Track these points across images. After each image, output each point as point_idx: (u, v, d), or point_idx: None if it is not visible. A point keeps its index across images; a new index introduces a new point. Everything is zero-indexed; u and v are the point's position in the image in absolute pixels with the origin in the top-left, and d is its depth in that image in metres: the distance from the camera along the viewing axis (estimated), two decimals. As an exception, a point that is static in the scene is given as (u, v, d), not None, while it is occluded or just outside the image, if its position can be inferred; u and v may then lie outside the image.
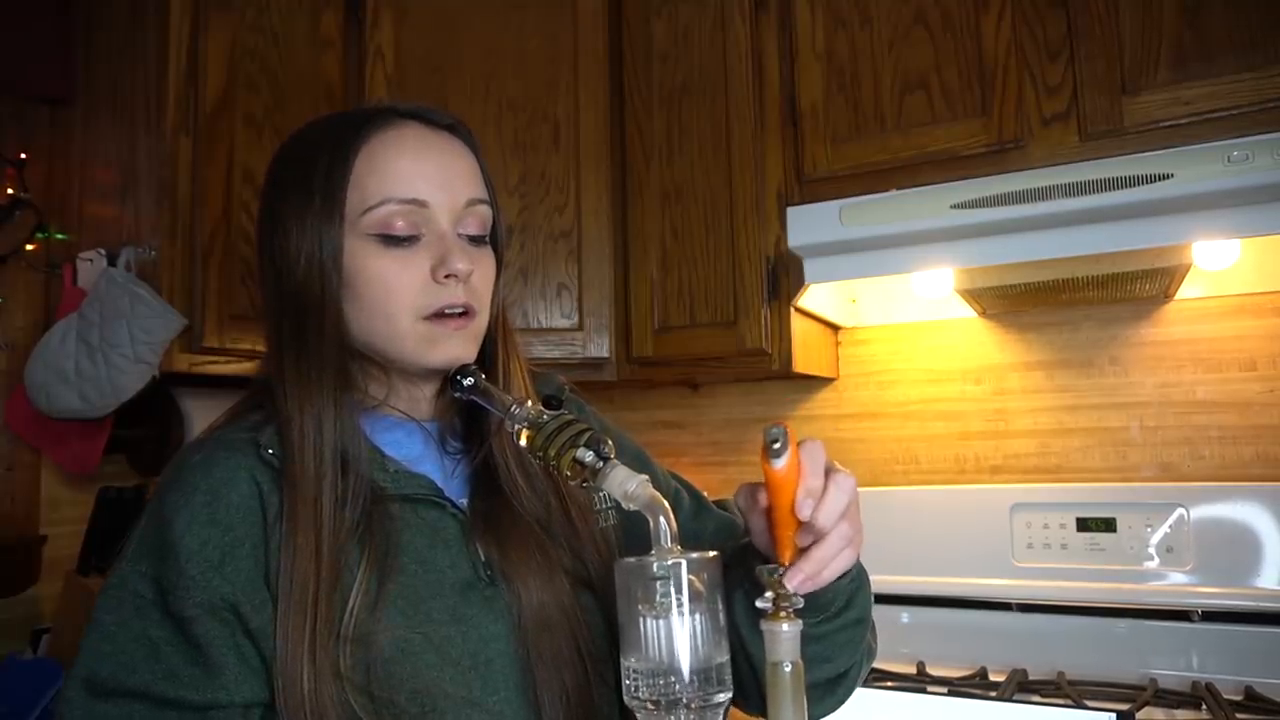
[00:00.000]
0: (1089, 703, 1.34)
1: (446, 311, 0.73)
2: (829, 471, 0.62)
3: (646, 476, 0.60)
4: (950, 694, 1.41)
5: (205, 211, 1.39)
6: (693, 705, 0.54)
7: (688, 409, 2.03)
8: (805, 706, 0.57)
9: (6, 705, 1.33)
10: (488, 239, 0.79)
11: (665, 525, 0.57)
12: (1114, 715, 1.25)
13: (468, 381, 0.72)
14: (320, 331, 0.72)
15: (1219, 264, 1.36)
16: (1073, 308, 1.67)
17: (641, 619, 0.55)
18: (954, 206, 1.31)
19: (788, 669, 0.57)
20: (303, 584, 0.66)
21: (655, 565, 0.55)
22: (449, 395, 0.78)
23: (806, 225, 1.43)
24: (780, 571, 0.59)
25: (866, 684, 1.50)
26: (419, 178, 0.73)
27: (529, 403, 0.67)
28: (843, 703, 0.78)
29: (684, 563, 0.55)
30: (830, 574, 0.62)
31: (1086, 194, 1.23)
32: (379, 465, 0.73)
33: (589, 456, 0.61)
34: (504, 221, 0.82)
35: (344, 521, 0.69)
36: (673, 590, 0.54)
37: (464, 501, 0.77)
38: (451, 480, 0.78)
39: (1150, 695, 1.35)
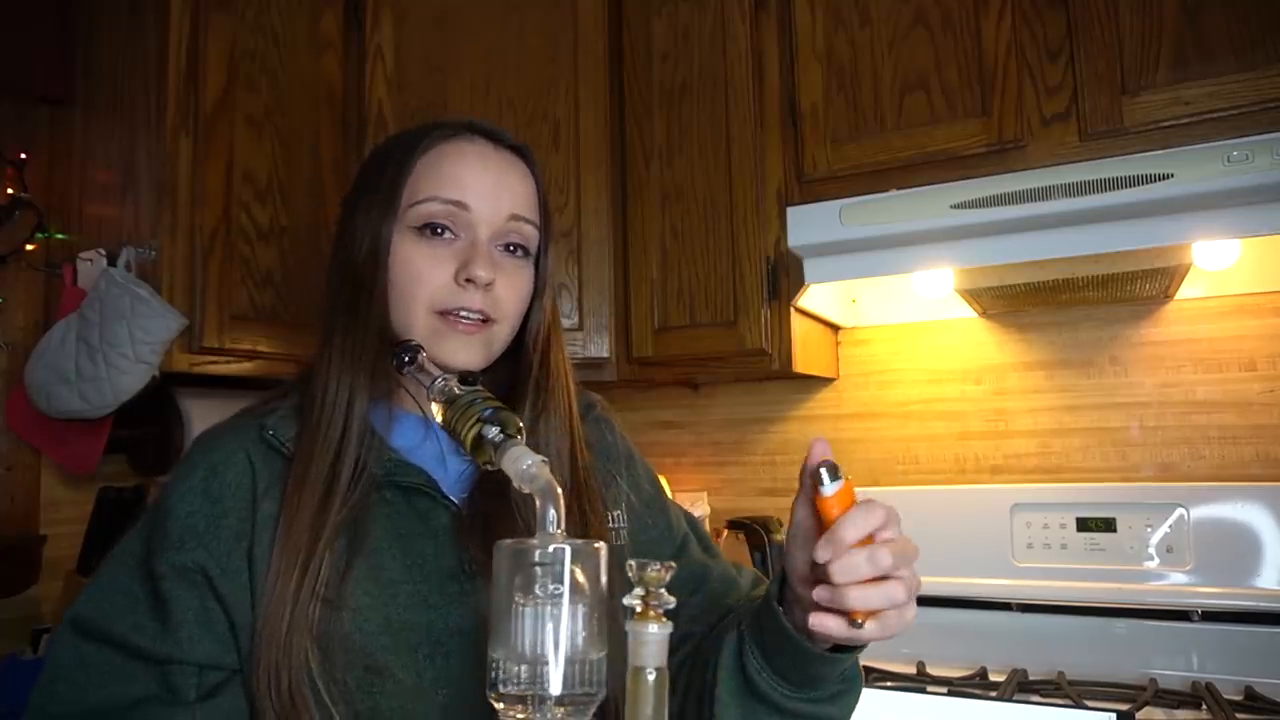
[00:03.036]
0: (1089, 703, 1.34)
1: (463, 315, 0.75)
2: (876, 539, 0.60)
3: (545, 458, 0.58)
4: (950, 694, 1.41)
5: (205, 211, 1.39)
6: (563, 702, 0.50)
7: (688, 409, 2.03)
8: (666, 718, 0.53)
9: (6, 705, 1.33)
10: (529, 256, 0.81)
11: (554, 512, 0.54)
12: (1114, 715, 1.25)
13: (406, 357, 0.73)
14: (369, 311, 0.75)
15: (1219, 264, 1.36)
16: (1073, 308, 1.67)
17: (517, 606, 0.51)
18: (954, 206, 1.31)
19: (651, 676, 0.52)
20: (296, 541, 0.69)
21: (537, 551, 0.51)
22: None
23: (806, 225, 1.43)
24: (654, 567, 0.54)
25: (867, 684, 1.51)
26: (469, 184, 0.77)
27: (452, 380, 0.67)
28: None
29: (568, 549, 0.51)
30: (853, 599, 0.58)
31: (1086, 194, 1.23)
32: (378, 451, 0.75)
33: (491, 432, 0.60)
34: (553, 253, 0.84)
35: (351, 494, 0.71)
36: (552, 578, 0.51)
37: (463, 498, 0.78)
38: (453, 475, 0.80)
39: (1150, 695, 1.35)
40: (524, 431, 0.61)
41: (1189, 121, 1.27)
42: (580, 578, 0.51)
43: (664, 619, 0.53)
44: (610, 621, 0.53)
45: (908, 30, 1.48)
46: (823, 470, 0.60)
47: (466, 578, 0.74)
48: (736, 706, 0.71)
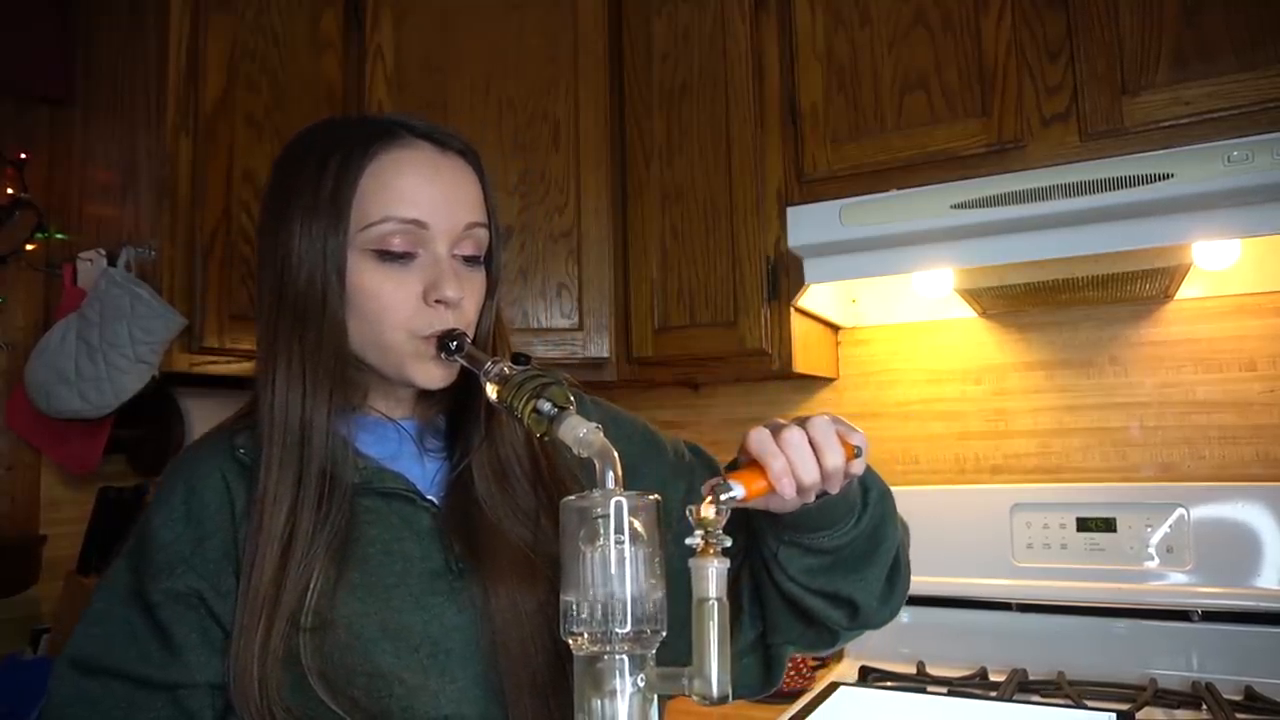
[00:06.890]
0: (1089, 703, 1.34)
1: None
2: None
3: (598, 425, 0.62)
4: (950, 694, 1.41)
5: (205, 211, 1.39)
6: (628, 638, 0.56)
7: (688, 409, 2.03)
8: (729, 646, 0.59)
9: (6, 705, 1.33)
10: (481, 260, 0.81)
11: (611, 472, 0.59)
12: (1114, 715, 1.25)
13: (454, 345, 0.75)
14: (319, 340, 0.74)
15: (1219, 264, 1.36)
16: (1073, 308, 1.67)
17: (583, 555, 0.57)
18: (954, 206, 1.31)
19: (714, 605, 0.59)
20: (261, 577, 0.69)
21: (599, 505, 0.58)
22: (431, 396, 0.82)
23: (806, 225, 1.43)
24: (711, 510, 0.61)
25: (867, 684, 1.51)
26: (422, 199, 0.75)
27: (504, 361, 0.70)
28: (906, 591, 0.84)
29: (624, 501, 0.57)
30: (788, 487, 0.66)
31: (1086, 194, 1.23)
32: (352, 463, 0.75)
33: (546, 406, 0.64)
34: (501, 248, 0.84)
35: (319, 520, 0.71)
36: (613, 528, 0.57)
37: (441, 498, 0.79)
38: (429, 477, 0.80)
39: (1150, 695, 1.35)
40: (572, 402, 0.65)
41: (1189, 121, 1.27)
42: (639, 526, 0.58)
43: (722, 555, 0.60)
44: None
45: (908, 30, 1.48)
46: (721, 499, 0.62)
47: (454, 575, 0.74)
48: (818, 574, 0.76)
